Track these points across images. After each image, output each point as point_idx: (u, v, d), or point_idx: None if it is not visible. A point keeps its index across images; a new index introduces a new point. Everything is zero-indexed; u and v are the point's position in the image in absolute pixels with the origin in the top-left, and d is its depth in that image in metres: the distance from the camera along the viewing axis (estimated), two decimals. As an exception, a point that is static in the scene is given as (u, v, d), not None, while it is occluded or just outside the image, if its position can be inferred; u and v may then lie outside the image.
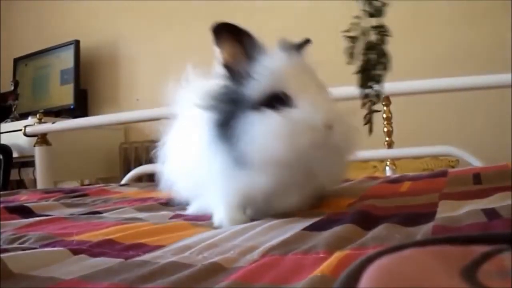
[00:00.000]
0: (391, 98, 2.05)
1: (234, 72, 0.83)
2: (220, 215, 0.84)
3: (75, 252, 0.63)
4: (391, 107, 2.08)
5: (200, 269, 0.52)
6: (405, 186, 1.18)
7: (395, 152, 2.08)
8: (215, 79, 0.86)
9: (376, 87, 0.87)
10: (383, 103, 2.10)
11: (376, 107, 0.88)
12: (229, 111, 0.80)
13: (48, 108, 3.46)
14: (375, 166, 2.37)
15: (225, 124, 0.79)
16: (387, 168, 2.12)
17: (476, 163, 1.85)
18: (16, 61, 3.85)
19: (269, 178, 0.78)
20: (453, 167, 2.20)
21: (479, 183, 1.10)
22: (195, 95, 0.89)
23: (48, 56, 3.68)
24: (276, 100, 0.79)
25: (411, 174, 1.44)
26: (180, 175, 0.99)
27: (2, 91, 3.78)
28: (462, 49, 2.56)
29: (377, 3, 0.84)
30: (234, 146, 0.78)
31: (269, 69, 0.80)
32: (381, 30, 0.85)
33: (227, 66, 0.83)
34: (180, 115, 1.02)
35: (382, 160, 2.24)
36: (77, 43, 3.51)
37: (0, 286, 0.50)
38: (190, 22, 3.32)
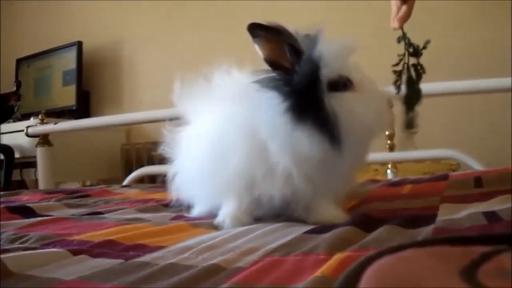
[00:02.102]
0: (393, 101, 2.05)
1: (278, 65, 0.82)
2: (224, 213, 0.84)
3: (76, 252, 0.63)
4: (393, 110, 2.08)
5: (200, 270, 0.52)
6: (406, 189, 1.18)
7: (396, 155, 2.07)
8: (248, 75, 0.86)
9: (410, 114, 1.05)
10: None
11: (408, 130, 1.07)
12: (302, 97, 0.79)
13: (50, 109, 3.46)
14: (376, 169, 2.37)
15: (305, 109, 0.79)
16: (388, 171, 2.12)
17: (477, 166, 1.84)
18: (19, 62, 3.85)
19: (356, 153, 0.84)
20: (454, 170, 2.19)
21: (480, 186, 1.10)
22: (224, 93, 0.90)
23: (50, 57, 3.68)
24: (341, 84, 0.81)
25: (412, 177, 1.44)
26: (203, 174, 0.92)
27: (5, 91, 3.79)
28: (464, 52, 2.56)
29: (416, 45, 0.97)
30: (323, 127, 0.78)
31: (330, 55, 0.81)
32: (418, 69, 1.00)
33: (269, 61, 0.83)
34: (201, 114, 0.96)
35: (383, 163, 2.24)
36: (79, 44, 3.52)
37: None
38: (193, 23, 3.32)
